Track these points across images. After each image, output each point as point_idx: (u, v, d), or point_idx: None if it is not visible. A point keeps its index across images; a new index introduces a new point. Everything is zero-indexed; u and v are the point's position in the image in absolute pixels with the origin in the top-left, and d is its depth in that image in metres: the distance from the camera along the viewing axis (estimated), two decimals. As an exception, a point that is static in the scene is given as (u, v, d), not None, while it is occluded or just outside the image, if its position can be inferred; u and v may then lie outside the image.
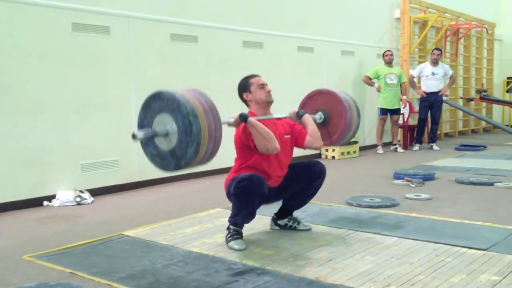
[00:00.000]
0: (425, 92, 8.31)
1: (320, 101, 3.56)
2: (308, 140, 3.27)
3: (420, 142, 8.53)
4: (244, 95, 3.23)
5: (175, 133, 2.57)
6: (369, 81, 8.05)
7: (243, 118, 2.96)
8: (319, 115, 3.50)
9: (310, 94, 3.63)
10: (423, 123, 8.49)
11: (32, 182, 4.46)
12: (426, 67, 8.35)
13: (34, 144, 4.46)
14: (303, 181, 3.33)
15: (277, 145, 3.00)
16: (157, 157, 2.71)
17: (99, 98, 4.91)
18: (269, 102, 3.22)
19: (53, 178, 4.58)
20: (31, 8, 4.40)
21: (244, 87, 3.24)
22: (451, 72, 8.57)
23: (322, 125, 3.46)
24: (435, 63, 8.31)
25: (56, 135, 4.60)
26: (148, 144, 2.74)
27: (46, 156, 4.54)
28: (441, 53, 8.50)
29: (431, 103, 8.35)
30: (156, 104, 2.67)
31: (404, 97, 8.13)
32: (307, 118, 3.29)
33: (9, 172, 4.31)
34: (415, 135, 8.60)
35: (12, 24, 4.31)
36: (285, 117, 3.33)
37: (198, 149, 2.54)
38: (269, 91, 3.21)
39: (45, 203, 4.45)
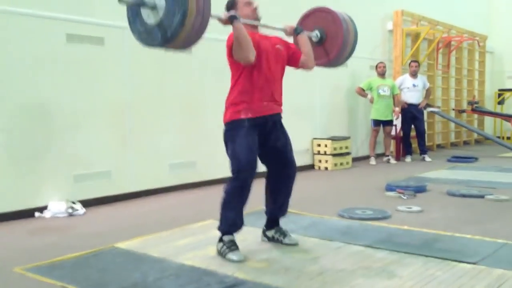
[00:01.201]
0: (406, 103, 8.40)
1: (316, 19, 3.55)
2: (303, 59, 3.27)
3: (411, 153, 8.58)
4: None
5: (162, 7, 2.60)
6: (362, 92, 8.12)
7: (231, 18, 2.94)
8: (316, 33, 3.49)
9: (305, 15, 3.63)
10: (408, 135, 8.56)
11: (24, 193, 4.44)
12: (406, 80, 8.47)
13: (27, 154, 4.45)
14: (277, 164, 3.31)
15: (251, 57, 2.96)
16: (145, 34, 2.73)
17: (93, 109, 4.92)
18: (255, 19, 3.19)
19: (45, 189, 4.56)
20: (26, 19, 4.42)
21: (231, 4, 3.21)
22: (428, 84, 8.75)
23: (319, 43, 3.45)
24: (414, 75, 8.43)
25: (49, 145, 4.60)
26: (135, 20, 2.76)
27: (39, 167, 4.53)
28: (419, 65, 8.68)
29: (413, 115, 8.45)
30: None
31: (397, 108, 8.19)
32: (304, 37, 3.30)
33: (0, 182, 4.29)
34: (404, 147, 8.65)
35: (7, 34, 4.32)
36: (280, 28, 3.32)
37: (185, 19, 2.54)
38: (255, 8, 3.18)
39: (36, 214, 4.44)
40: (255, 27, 3.21)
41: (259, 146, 3.18)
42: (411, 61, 8.60)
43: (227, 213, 3.14)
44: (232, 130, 3.13)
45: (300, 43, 3.29)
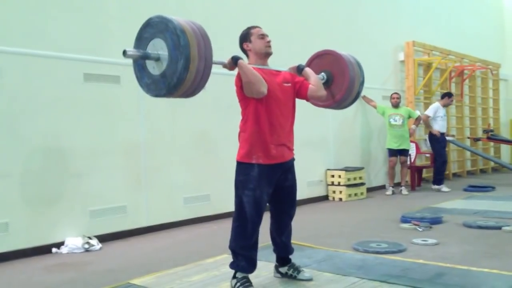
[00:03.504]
0: (439, 132, 8.38)
1: (323, 62, 3.57)
2: (311, 89, 3.23)
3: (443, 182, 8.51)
4: (244, 45, 3.24)
5: (166, 57, 2.66)
6: (370, 102, 8.30)
7: (234, 59, 3.00)
8: (322, 76, 3.48)
9: (312, 58, 3.65)
10: (445, 163, 8.53)
11: (41, 229, 4.51)
12: (440, 108, 8.43)
13: (44, 191, 4.55)
14: (281, 203, 3.32)
15: (263, 89, 3.00)
16: (152, 84, 2.78)
17: (109, 145, 5.03)
18: (267, 53, 3.20)
19: (62, 225, 4.63)
20: (45, 60, 4.58)
21: (244, 37, 3.23)
22: None
23: (325, 86, 3.42)
24: (446, 106, 8.50)
25: (65, 181, 4.69)
26: (143, 76, 2.83)
27: (56, 203, 4.62)
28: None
29: (445, 144, 8.53)
30: (147, 32, 2.77)
31: (413, 126, 8.29)
32: (308, 70, 3.30)
33: (18, 219, 4.37)
34: (436, 175, 8.46)
35: (25, 75, 4.48)
36: (285, 71, 3.33)
37: (188, 64, 2.59)
38: (268, 41, 3.21)
39: (54, 250, 4.50)
40: (264, 58, 3.22)
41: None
42: (451, 94, 8.60)
43: (239, 262, 3.15)
44: (242, 175, 3.11)
45: (306, 76, 3.30)
